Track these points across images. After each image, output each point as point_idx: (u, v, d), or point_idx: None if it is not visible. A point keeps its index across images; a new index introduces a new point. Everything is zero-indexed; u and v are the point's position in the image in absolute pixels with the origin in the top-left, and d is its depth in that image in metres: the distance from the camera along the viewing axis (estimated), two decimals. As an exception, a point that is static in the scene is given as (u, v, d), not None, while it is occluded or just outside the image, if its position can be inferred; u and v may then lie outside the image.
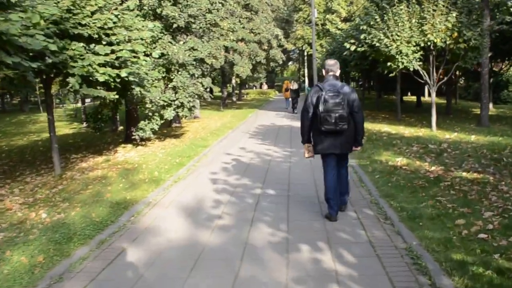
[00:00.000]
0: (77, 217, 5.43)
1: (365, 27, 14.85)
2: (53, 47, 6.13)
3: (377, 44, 12.29)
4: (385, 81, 23.56)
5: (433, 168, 7.63)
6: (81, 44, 7.66)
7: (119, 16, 8.70)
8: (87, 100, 22.14)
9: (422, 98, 27.65)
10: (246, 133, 14.56)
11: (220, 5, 13.24)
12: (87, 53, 7.81)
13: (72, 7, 7.74)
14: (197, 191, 6.72)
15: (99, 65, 7.84)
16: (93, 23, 8.09)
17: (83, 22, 7.94)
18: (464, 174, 7.07)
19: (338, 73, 5.06)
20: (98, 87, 8.45)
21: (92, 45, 8.02)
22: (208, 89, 19.26)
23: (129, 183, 7.34)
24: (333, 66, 5.01)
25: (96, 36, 8.03)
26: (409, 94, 32.26)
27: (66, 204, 6.18)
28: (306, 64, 53.90)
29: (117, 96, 8.50)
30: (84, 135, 16.24)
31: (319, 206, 5.66)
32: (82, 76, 7.43)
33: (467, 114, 20.01)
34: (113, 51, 8.23)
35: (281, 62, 26.62)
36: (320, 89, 4.83)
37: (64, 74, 8.01)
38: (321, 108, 4.70)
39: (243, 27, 23.40)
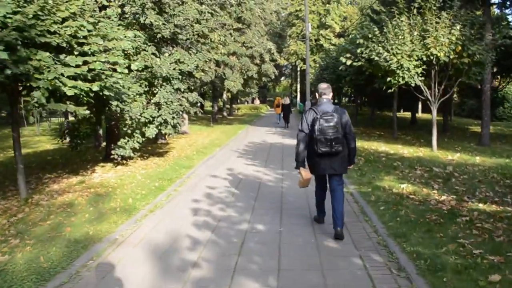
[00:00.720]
0: (22, 261, 4.44)
1: (361, 40, 14.15)
2: (3, 55, 5.22)
3: (376, 58, 11.50)
4: (379, 97, 22.88)
5: (443, 197, 6.75)
6: (47, 54, 6.74)
7: (95, 24, 7.83)
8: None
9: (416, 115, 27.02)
10: (235, 152, 13.63)
11: (210, 15, 12.41)
12: (55, 64, 6.90)
13: (40, 13, 6.85)
14: (173, 225, 5.75)
15: (68, 77, 6.94)
16: (64, 30, 7.20)
17: (52, 29, 7.04)
18: (481, 205, 6.20)
19: (330, 96, 5.22)
20: (69, 102, 7.55)
21: (62, 56, 7.12)
22: (198, 104, 18.43)
23: (97, 213, 6.35)
24: (326, 89, 5.20)
25: (65, 45, 7.14)
26: (401, 110, 31.68)
27: (18, 240, 5.19)
28: (298, 79, 53.39)
29: (87, 112, 7.56)
30: (64, 151, 15.19)
31: (316, 249, 4.73)
32: (49, 89, 6.52)
33: (464, 132, 19.33)
34: (85, 62, 7.34)
35: (273, 77, 25.75)
36: (315, 113, 5.06)
37: (29, 87, 7.10)
38: (316, 131, 4.89)
39: (235, 41, 22.60)
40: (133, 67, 8.82)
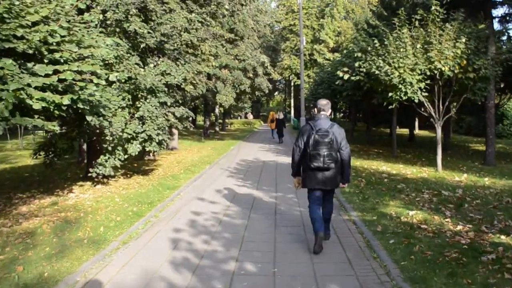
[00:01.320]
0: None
1: (359, 54, 13.49)
2: None
3: (376, 72, 10.77)
4: (376, 113, 22.21)
5: (459, 227, 5.94)
6: (10, 61, 5.91)
7: (69, 29, 7.03)
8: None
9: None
10: (225, 170, 12.77)
11: (199, 24, 11.66)
12: (22, 72, 6.06)
13: (6, 15, 6.05)
14: (148, 263, 4.86)
15: (36, 88, 6.10)
16: (32, 35, 6.38)
17: (18, 33, 6.22)
18: (504, 238, 5.40)
19: (329, 112, 5.31)
20: (37, 116, 6.74)
21: (31, 64, 6.30)
22: (190, 119, 17.61)
23: (59, 245, 5.44)
24: (325, 106, 5.30)
25: (34, 51, 6.33)
26: (397, 127, 31.00)
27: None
28: (292, 94, 52.87)
29: (57, 128, 6.69)
30: (44, 168, 14.26)
31: (318, 297, 3.87)
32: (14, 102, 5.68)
33: (466, 150, 18.60)
34: (56, 72, 6.51)
35: (267, 91, 24.93)
36: (311, 128, 5.15)
37: (-11, 98, 6.24)
38: (311, 146, 5.04)
39: (227, 53, 21.82)
40: (111, 77, 7.96)
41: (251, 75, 23.07)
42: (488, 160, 13.29)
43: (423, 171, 11.41)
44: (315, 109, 5.40)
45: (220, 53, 19.11)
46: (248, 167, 13.53)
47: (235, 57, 22.43)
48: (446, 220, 6.34)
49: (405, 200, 7.80)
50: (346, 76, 14.23)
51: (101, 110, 8.19)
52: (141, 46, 10.20)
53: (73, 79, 6.62)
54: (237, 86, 22.01)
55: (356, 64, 13.28)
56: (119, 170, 10.73)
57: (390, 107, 11.80)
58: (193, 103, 32.11)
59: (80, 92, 6.90)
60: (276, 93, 78.03)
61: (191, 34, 11.37)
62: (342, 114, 49.29)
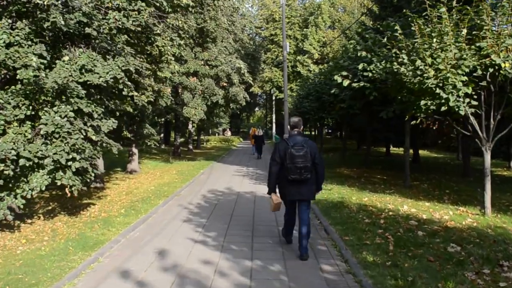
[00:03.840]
0: None
1: (364, 53, 10.23)
2: None
3: (402, 70, 7.34)
4: (373, 130, 18.95)
5: None
6: None
7: None
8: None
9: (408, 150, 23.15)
10: (183, 209, 9.13)
11: (144, 4, 8.13)
12: None
13: None
14: None
15: None
16: None
17: None
18: None
19: (301, 128, 5.79)
20: None
21: None
22: (160, 136, 13.98)
23: None
24: (298, 123, 5.77)
25: None
26: (390, 146, 27.64)
27: None
28: (274, 109, 49.53)
29: None
30: None
31: None
32: None
33: (503, 179, 14.65)
34: None
35: (243, 103, 21.11)
36: (287, 144, 5.54)
37: None
38: (288, 160, 5.44)
39: (195, 57, 18.15)
40: None
41: (224, 84, 19.28)
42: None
43: (463, 213, 7.99)
44: (289, 126, 5.95)
45: (186, 57, 15.56)
46: (216, 202, 9.91)
47: (205, 62, 18.71)
48: None
49: (480, 285, 4.32)
50: (346, 82, 10.88)
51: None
52: (46, 25, 6.60)
53: None
54: (208, 97, 18.23)
55: (360, 67, 10.02)
56: (42, 205, 7.24)
57: (413, 122, 8.42)
58: (162, 118, 28.38)
59: None
60: (257, 108, 74.75)
61: (127, 16, 7.85)
62: (329, 131, 46.03)
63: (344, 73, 11.07)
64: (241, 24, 24.06)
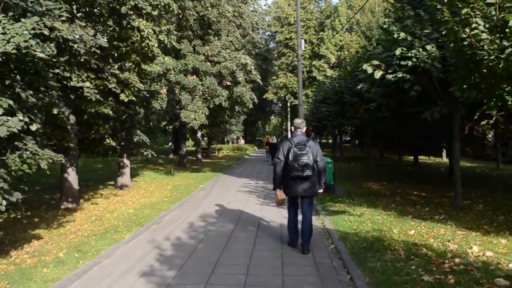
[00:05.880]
0: None
1: (403, 34, 7.82)
2: None
3: (484, 37, 4.77)
4: (399, 136, 16.28)
5: None
6: None
7: None
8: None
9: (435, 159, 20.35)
10: (154, 249, 6.57)
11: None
12: None
13: None
14: None
15: None
16: None
17: None
18: None
19: (304, 129, 6.19)
20: None
21: None
22: (146, 143, 11.63)
23: None
24: (301, 124, 6.20)
25: None
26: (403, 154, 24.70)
27: None
28: (289, 116, 46.98)
29: None
30: None
31: None
32: None
33: None
34: None
35: (250, 106, 18.25)
36: (290, 143, 5.93)
37: None
38: (290, 158, 5.79)
39: (195, 51, 15.55)
40: None
41: (228, 83, 16.62)
42: None
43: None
44: (292, 127, 6.32)
45: (184, 50, 13.16)
46: (201, 238, 7.28)
47: (206, 58, 16.16)
48: None
49: None
50: (378, 74, 8.32)
51: None
52: None
53: None
54: (209, 98, 15.63)
55: (397, 52, 7.61)
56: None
57: (483, 123, 5.84)
58: (170, 126, 26.04)
59: None
60: (272, 116, 72.78)
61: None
62: (348, 138, 43.33)
63: (376, 62, 8.53)
64: (251, 18, 21.47)
